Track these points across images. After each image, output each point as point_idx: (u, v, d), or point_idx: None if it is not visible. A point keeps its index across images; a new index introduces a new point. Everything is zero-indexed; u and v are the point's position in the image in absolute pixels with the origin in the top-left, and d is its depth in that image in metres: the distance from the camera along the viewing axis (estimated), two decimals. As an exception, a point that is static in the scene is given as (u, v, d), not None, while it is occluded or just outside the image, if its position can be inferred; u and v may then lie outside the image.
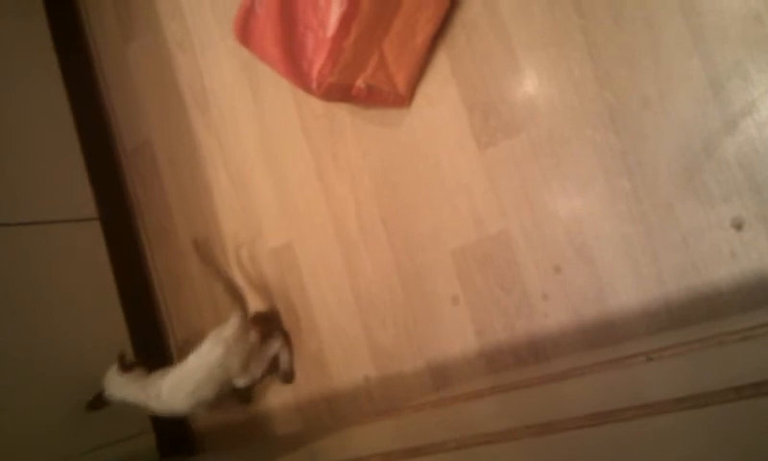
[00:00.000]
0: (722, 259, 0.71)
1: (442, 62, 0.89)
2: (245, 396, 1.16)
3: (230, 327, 1.01)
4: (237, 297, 1.04)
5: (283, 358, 1.10)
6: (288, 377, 1.11)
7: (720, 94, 0.70)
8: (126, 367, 1.06)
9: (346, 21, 0.78)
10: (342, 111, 0.98)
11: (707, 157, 0.72)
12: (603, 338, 0.80)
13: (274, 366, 1.10)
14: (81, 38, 1.36)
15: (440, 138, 0.91)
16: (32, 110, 1.21)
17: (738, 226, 0.70)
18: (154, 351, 1.25)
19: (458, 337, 0.92)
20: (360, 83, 0.84)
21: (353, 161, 0.99)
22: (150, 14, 1.22)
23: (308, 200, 1.05)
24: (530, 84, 0.84)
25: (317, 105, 0.99)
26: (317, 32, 0.80)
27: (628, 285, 0.78)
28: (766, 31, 0.67)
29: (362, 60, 0.83)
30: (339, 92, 0.85)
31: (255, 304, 1.12)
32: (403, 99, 0.90)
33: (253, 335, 1.04)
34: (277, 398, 1.14)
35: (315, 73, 0.81)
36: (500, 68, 0.85)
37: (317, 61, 0.81)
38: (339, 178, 1.01)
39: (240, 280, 1.13)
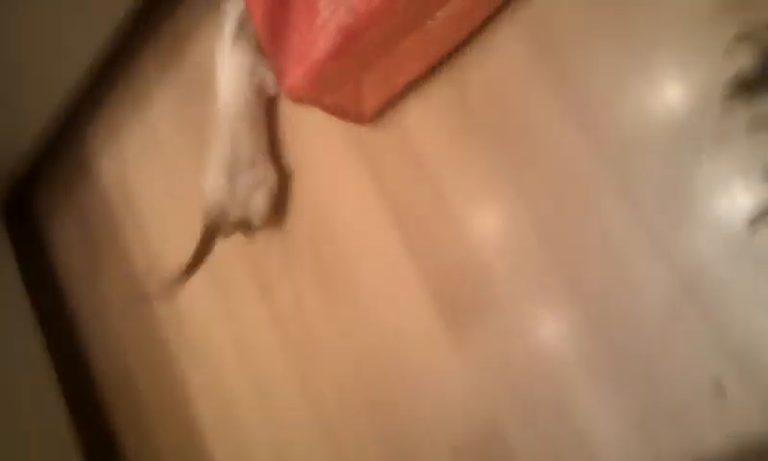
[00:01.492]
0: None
1: (395, 241, 0.91)
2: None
3: None
4: None
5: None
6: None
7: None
8: None
9: (338, 48, 0.76)
10: (316, 321, 0.99)
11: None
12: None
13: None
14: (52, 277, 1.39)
15: (409, 332, 0.90)
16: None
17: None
18: None
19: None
20: (328, 101, 0.85)
21: (331, 369, 0.99)
22: (115, 246, 1.26)
23: (289, 402, 1.03)
24: (483, 251, 0.84)
25: (292, 320, 1.01)
26: (305, 44, 0.78)
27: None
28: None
29: (340, 83, 0.83)
30: (307, 100, 0.84)
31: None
32: (365, 119, 0.90)
33: None
34: None
35: (290, 78, 0.80)
36: (454, 246, 0.86)
37: (295, 68, 0.79)
38: (319, 379, 1.00)
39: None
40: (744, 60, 0.64)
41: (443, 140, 0.88)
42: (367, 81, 0.85)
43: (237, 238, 1.03)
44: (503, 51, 0.82)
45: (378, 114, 0.92)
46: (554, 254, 0.79)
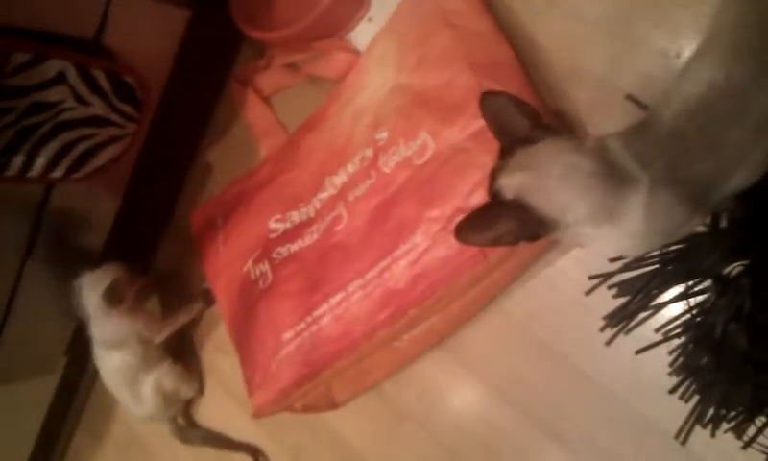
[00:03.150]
0: None
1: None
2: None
3: None
4: None
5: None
6: None
7: None
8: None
9: (304, 378, 0.78)
10: None
11: None
12: None
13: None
14: None
15: None
16: None
17: None
18: None
19: None
20: (298, 406, 0.84)
21: None
22: None
23: None
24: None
25: None
26: (269, 368, 0.80)
27: None
28: None
29: (308, 392, 0.82)
30: (276, 413, 0.84)
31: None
32: (337, 407, 0.89)
33: None
34: None
35: (256, 399, 0.81)
36: None
37: (261, 392, 0.80)
38: None
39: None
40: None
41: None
42: (336, 384, 0.86)
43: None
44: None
45: (351, 401, 0.91)
46: None
